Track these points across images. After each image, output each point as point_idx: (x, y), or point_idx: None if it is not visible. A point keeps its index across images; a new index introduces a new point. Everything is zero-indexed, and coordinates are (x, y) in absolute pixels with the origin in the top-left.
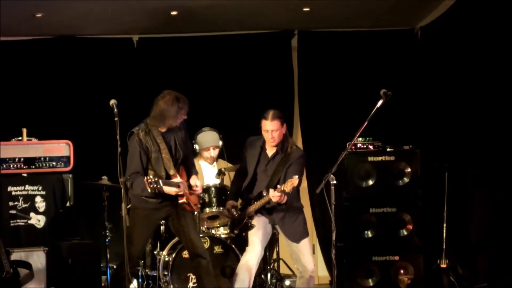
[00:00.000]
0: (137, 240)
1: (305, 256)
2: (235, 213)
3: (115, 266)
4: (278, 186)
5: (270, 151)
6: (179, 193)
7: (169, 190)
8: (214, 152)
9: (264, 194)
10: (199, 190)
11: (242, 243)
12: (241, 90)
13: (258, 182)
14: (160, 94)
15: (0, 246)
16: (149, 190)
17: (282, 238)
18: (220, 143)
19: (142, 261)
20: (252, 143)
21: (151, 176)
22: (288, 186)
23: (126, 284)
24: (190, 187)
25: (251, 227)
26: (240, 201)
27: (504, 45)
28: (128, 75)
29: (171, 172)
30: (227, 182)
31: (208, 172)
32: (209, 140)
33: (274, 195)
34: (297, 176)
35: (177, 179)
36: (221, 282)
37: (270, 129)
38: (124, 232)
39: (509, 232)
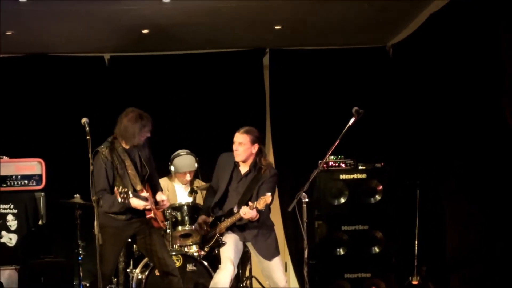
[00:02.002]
0: (107, 258)
1: (277, 273)
2: (206, 228)
3: (88, 284)
4: (250, 203)
5: (243, 168)
6: (147, 207)
7: (137, 204)
8: (190, 176)
9: (235, 211)
10: (166, 204)
11: (215, 261)
12: (213, 108)
13: (229, 198)
14: (124, 112)
15: None
16: (119, 200)
17: (254, 256)
18: (196, 165)
19: (115, 279)
20: (225, 159)
21: (121, 187)
22: (261, 203)
23: None
24: (156, 203)
25: (222, 244)
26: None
27: (473, 62)
28: (99, 93)
29: (138, 187)
30: (200, 200)
31: (181, 191)
32: (186, 165)
33: (246, 212)
34: (270, 194)
35: (144, 194)
36: None
37: (237, 141)
38: (97, 250)
39: (481, 248)
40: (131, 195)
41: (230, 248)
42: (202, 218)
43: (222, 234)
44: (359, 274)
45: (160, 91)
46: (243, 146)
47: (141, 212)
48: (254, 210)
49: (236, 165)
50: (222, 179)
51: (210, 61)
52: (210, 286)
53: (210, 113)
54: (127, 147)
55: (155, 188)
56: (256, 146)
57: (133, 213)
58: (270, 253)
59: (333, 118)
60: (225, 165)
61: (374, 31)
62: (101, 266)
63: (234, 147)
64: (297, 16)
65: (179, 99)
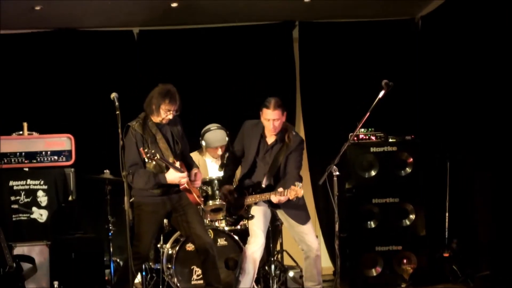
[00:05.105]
0: (145, 237)
1: (309, 236)
2: (230, 197)
3: (120, 262)
4: (281, 189)
5: (270, 139)
6: (183, 179)
7: (173, 177)
8: (221, 150)
9: (264, 185)
10: (199, 176)
11: (245, 235)
12: (243, 81)
13: (257, 169)
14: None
15: (2, 241)
16: (146, 160)
17: (284, 222)
18: (227, 139)
19: None
20: (250, 128)
21: (147, 149)
22: (292, 194)
23: (130, 278)
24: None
25: (251, 217)
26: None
27: (504, 34)
28: (129, 68)
29: (170, 160)
30: None
31: (212, 165)
32: (218, 140)
33: (277, 199)
34: (300, 186)
35: (177, 165)
36: (225, 275)
37: (272, 118)
38: (127, 226)
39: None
40: (157, 155)
41: (259, 221)
42: (226, 188)
43: (249, 206)
44: (390, 247)
45: (189, 65)
46: (278, 121)
47: (177, 187)
48: (285, 197)
49: (262, 136)
50: (249, 149)
51: (240, 34)
52: (241, 259)
53: (239, 86)
54: (156, 121)
55: (190, 167)
56: (285, 114)
57: (169, 188)
58: (303, 217)
59: (363, 91)
60: (251, 135)
61: (403, 3)
62: (138, 245)
63: (270, 124)
64: None
65: (209, 73)
